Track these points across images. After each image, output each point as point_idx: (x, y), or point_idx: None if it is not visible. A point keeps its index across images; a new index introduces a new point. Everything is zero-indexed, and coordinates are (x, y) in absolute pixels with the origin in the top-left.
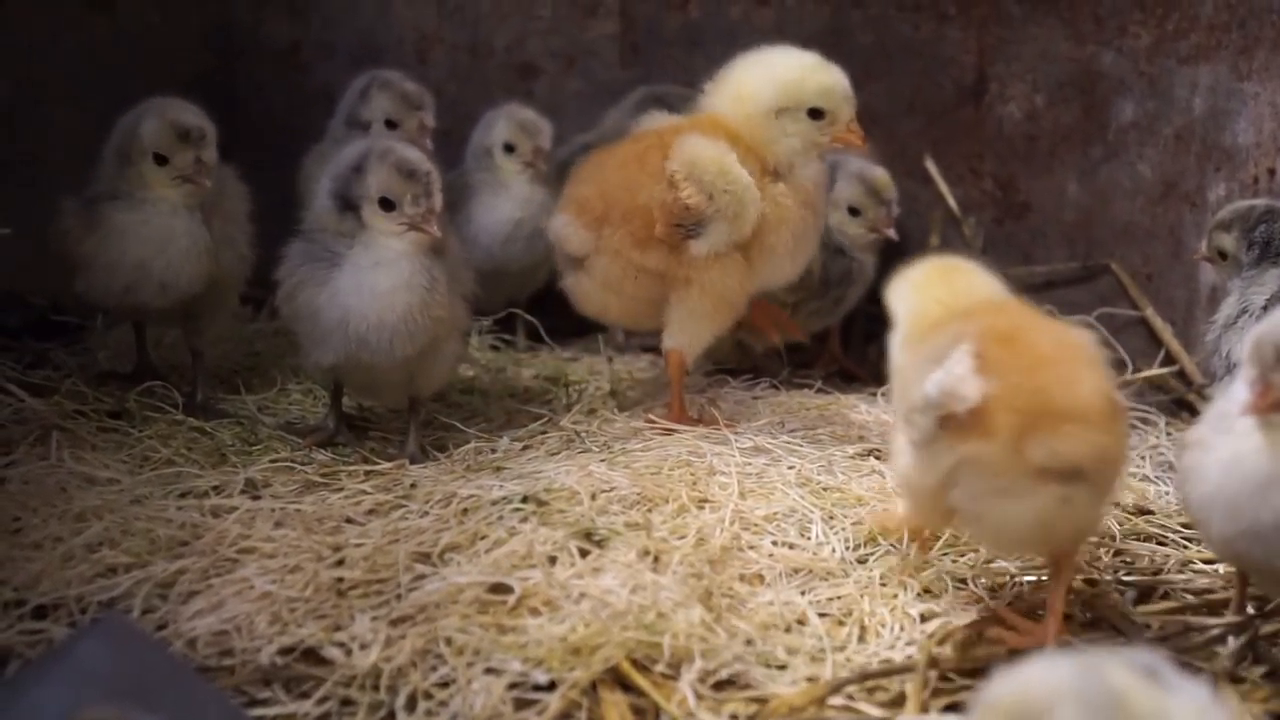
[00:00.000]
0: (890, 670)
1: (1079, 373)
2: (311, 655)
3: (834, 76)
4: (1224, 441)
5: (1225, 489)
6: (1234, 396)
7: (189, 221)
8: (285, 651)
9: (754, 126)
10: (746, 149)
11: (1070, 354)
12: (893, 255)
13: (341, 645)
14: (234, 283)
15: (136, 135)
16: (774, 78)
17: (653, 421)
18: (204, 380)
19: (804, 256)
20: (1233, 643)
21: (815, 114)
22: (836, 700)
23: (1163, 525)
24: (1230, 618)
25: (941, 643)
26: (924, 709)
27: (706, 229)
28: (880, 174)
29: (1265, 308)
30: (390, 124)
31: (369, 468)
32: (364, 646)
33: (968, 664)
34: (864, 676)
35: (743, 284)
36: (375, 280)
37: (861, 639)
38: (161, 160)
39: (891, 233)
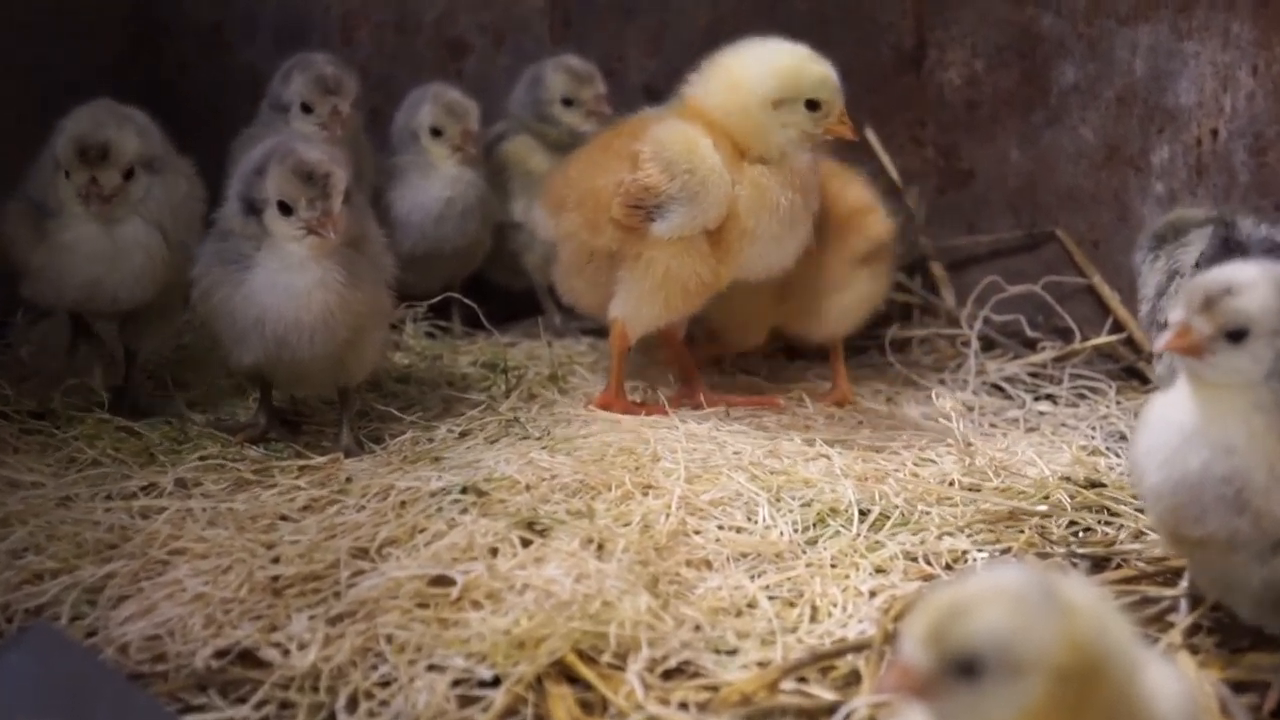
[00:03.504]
0: (844, 649)
1: None
2: (248, 657)
3: (828, 68)
4: (1160, 397)
5: (1160, 441)
6: None
7: (143, 232)
8: (221, 654)
9: (749, 116)
10: (721, 135)
11: None
12: None
13: (279, 646)
14: (185, 285)
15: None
16: (774, 68)
17: (593, 408)
18: (137, 377)
19: (795, 243)
20: (1186, 612)
21: (812, 105)
22: (790, 684)
23: (1115, 497)
24: (1184, 587)
25: (897, 618)
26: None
27: (668, 211)
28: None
29: (1196, 265)
30: (305, 108)
31: (303, 463)
32: (302, 646)
33: None
34: (817, 657)
35: (700, 270)
36: (289, 281)
37: (814, 619)
38: (68, 175)
39: None
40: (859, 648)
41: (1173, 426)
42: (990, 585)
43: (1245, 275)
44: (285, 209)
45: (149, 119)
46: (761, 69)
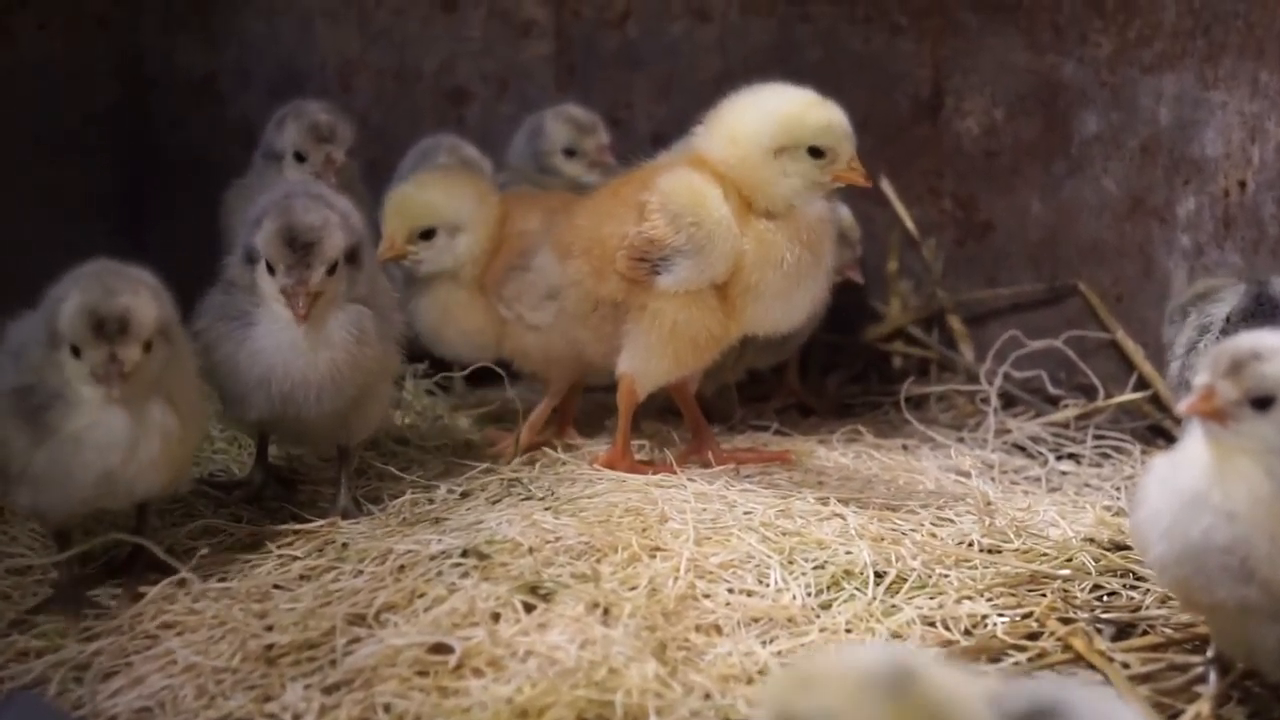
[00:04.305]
0: None
1: None
2: None
3: (833, 113)
4: (1164, 460)
5: (1162, 508)
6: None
7: (160, 412)
8: None
9: (752, 167)
10: (730, 187)
11: None
12: (850, 283)
13: (273, 717)
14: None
15: (57, 314)
16: (773, 116)
17: (599, 467)
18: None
19: (804, 299)
20: (1215, 681)
21: (816, 153)
22: None
23: (1140, 560)
24: (1211, 654)
25: None
26: None
27: (673, 264)
28: (846, 215)
29: (1228, 320)
30: (299, 157)
31: (298, 526)
32: (297, 717)
33: None
34: None
35: (710, 324)
36: (294, 337)
37: None
38: (76, 352)
39: (857, 276)
40: None
41: (1174, 492)
42: (841, 665)
43: (1274, 342)
44: (270, 269)
45: (155, 277)
46: (759, 117)
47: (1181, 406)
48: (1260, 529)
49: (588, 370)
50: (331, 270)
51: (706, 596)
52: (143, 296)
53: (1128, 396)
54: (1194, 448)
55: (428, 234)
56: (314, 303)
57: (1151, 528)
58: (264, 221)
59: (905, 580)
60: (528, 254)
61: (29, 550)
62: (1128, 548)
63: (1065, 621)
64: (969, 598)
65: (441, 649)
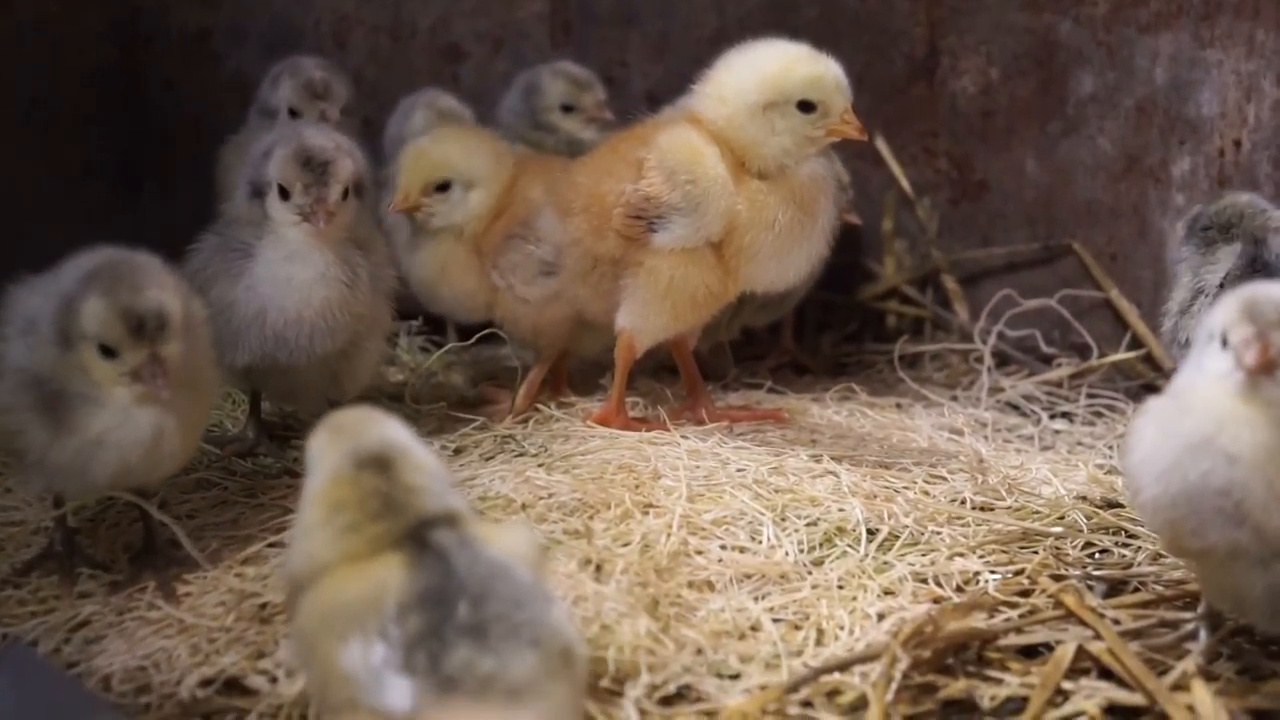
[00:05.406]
0: (850, 660)
1: None
2: (234, 686)
3: (824, 66)
4: (1160, 403)
5: (1159, 451)
6: (1200, 367)
7: (180, 404)
8: (206, 683)
9: (739, 126)
10: (724, 147)
11: None
12: (845, 243)
13: (265, 674)
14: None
15: (76, 315)
16: (758, 72)
17: (592, 423)
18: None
19: (799, 259)
20: (1205, 638)
21: (805, 107)
22: (795, 710)
23: (1132, 518)
24: (1202, 611)
25: (906, 641)
26: (886, 718)
27: (669, 221)
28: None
29: (1222, 286)
30: (294, 114)
31: (292, 481)
32: (290, 674)
33: (934, 661)
34: (818, 673)
35: (708, 281)
36: (290, 272)
37: (819, 642)
38: (109, 353)
39: (854, 218)
40: (863, 659)
41: (1174, 435)
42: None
43: None
44: (284, 193)
45: (162, 262)
46: (746, 74)
47: (1249, 359)
48: (1259, 475)
49: (577, 338)
50: (344, 195)
51: (699, 553)
52: (168, 290)
53: (1121, 355)
54: (1199, 392)
55: (443, 186)
56: (330, 222)
57: (1146, 470)
58: (275, 151)
59: (897, 537)
60: (528, 223)
61: (24, 504)
62: (1120, 505)
63: (1057, 578)
64: (961, 555)
65: None
